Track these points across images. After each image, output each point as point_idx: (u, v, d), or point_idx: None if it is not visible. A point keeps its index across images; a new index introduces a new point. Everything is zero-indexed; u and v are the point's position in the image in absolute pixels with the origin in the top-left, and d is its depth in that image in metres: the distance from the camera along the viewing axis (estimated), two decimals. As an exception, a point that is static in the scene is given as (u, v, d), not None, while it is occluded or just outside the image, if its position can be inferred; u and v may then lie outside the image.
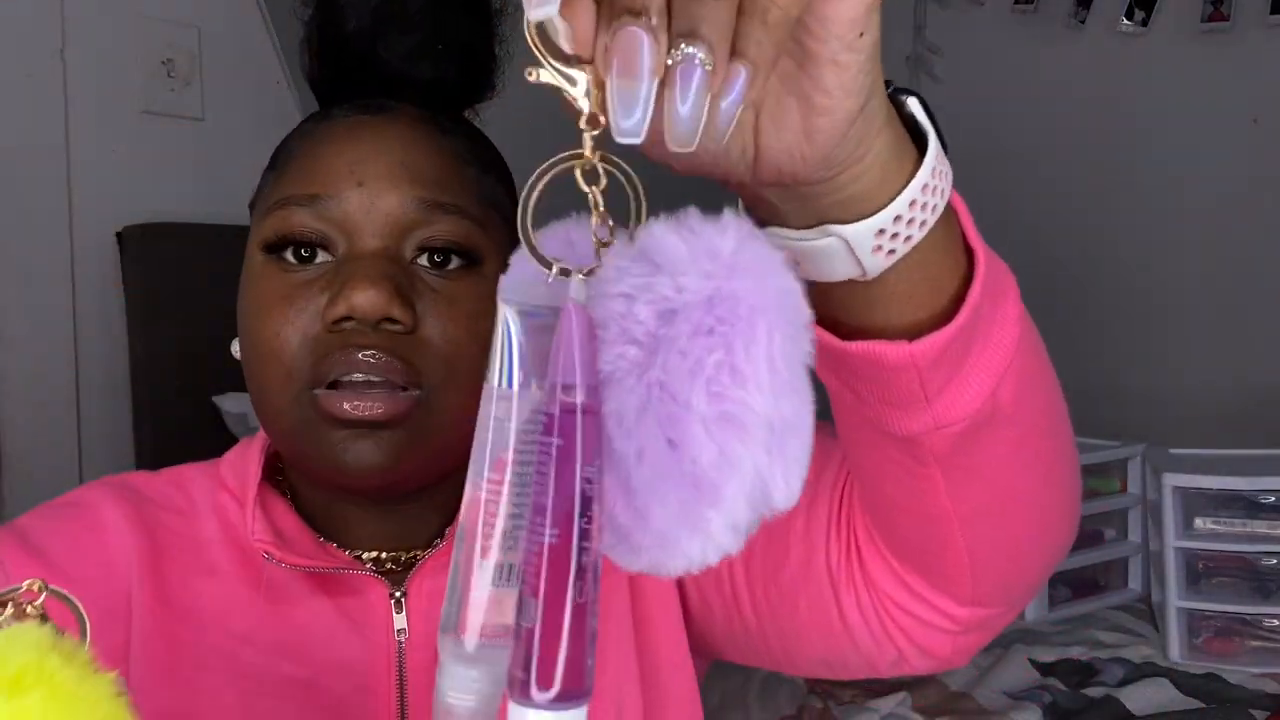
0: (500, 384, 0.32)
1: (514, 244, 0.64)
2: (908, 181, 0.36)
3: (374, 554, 0.60)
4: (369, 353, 0.52)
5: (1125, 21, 2.37)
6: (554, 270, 0.31)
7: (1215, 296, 2.32)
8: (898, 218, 0.35)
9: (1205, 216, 2.32)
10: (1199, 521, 1.48)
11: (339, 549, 0.60)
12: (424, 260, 0.55)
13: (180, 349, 1.66)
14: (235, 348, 0.60)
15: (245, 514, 0.58)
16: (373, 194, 0.54)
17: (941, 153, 0.37)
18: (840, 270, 0.37)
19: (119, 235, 1.66)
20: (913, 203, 0.36)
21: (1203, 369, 2.33)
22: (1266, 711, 1.27)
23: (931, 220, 0.37)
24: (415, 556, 0.60)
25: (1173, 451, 1.66)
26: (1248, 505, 1.46)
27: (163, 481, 0.63)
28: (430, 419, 0.54)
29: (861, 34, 0.31)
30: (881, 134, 0.34)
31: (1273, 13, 2.19)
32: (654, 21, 0.28)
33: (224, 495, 0.61)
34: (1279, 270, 2.25)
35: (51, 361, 1.62)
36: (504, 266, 0.60)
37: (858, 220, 0.35)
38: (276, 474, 0.62)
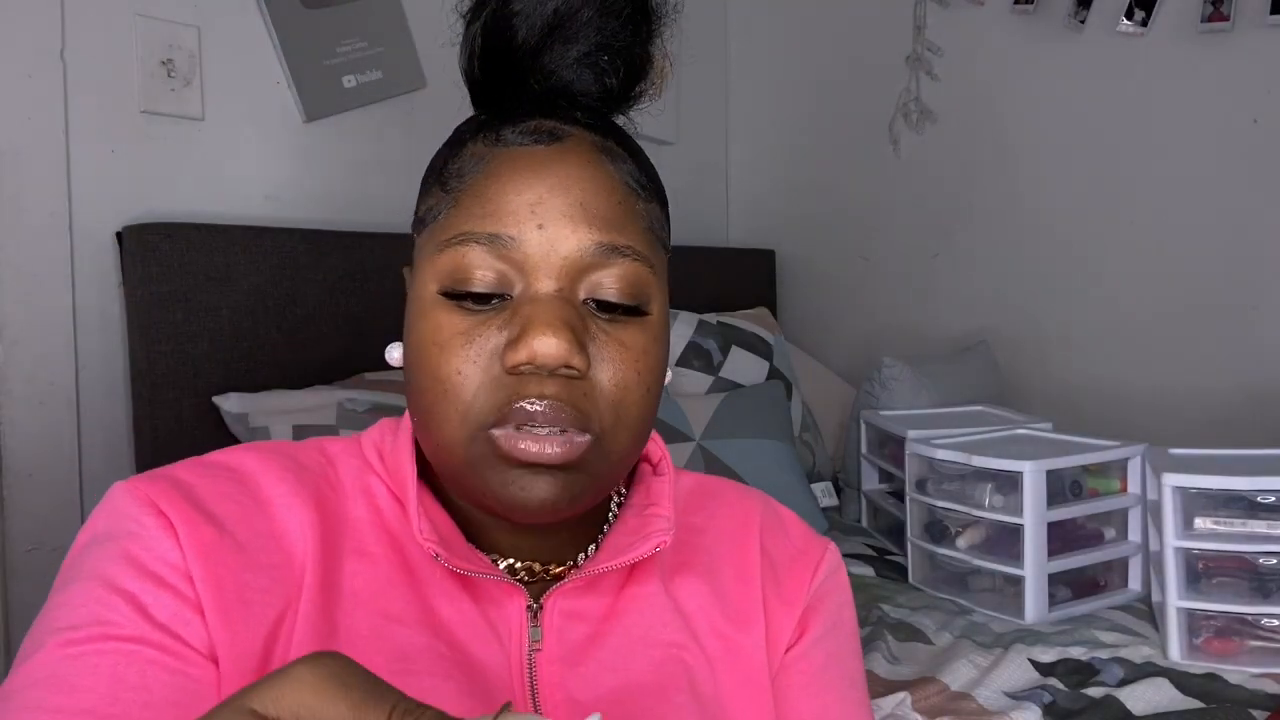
0: None
1: (669, 269, 0.66)
2: None
3: (509, 561, 0.61)
4: (548, 402, 0.53)
5: (1125, 22, 2.37)
6: None
7: (1215, 296, 2.32)
8: None
9: (1205, 216, 2.32)
10: (1199, 521, 1.48)
11: (484, 554, 0.61)
12: (594, 302, 0.56)
13: (180, 349, 1.66)
14: (393, 355, 0.61)
15: (408, 512, 0.59)
16: (553, 237, 0.55)
17: None
18: None
19: (119, 235, 1.66)
20: None
21: (1203, 369, 2.33)
22: (1266, 711, 1.27)
23: None
24: (549, 570, 0.62)
25: (1173, 451, 1.66)
26: (1248, 505, 1.46)
27: (314, 450, 0.63)
28: (602, 461, 0.55)
29: None
30: None
31: (1273, 13, 2.19)
32: None
33: (373, 479, 0.61)
34: (1278, 270, 2.25)
35: (51, 361, 1.62)
36: (664, 304, 0.62)
37: None
38: (420, 472, 0.62)
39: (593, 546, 0.63)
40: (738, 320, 2.42)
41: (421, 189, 0.61)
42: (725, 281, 2.72)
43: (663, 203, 0.63)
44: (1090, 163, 2.46)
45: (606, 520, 0.65)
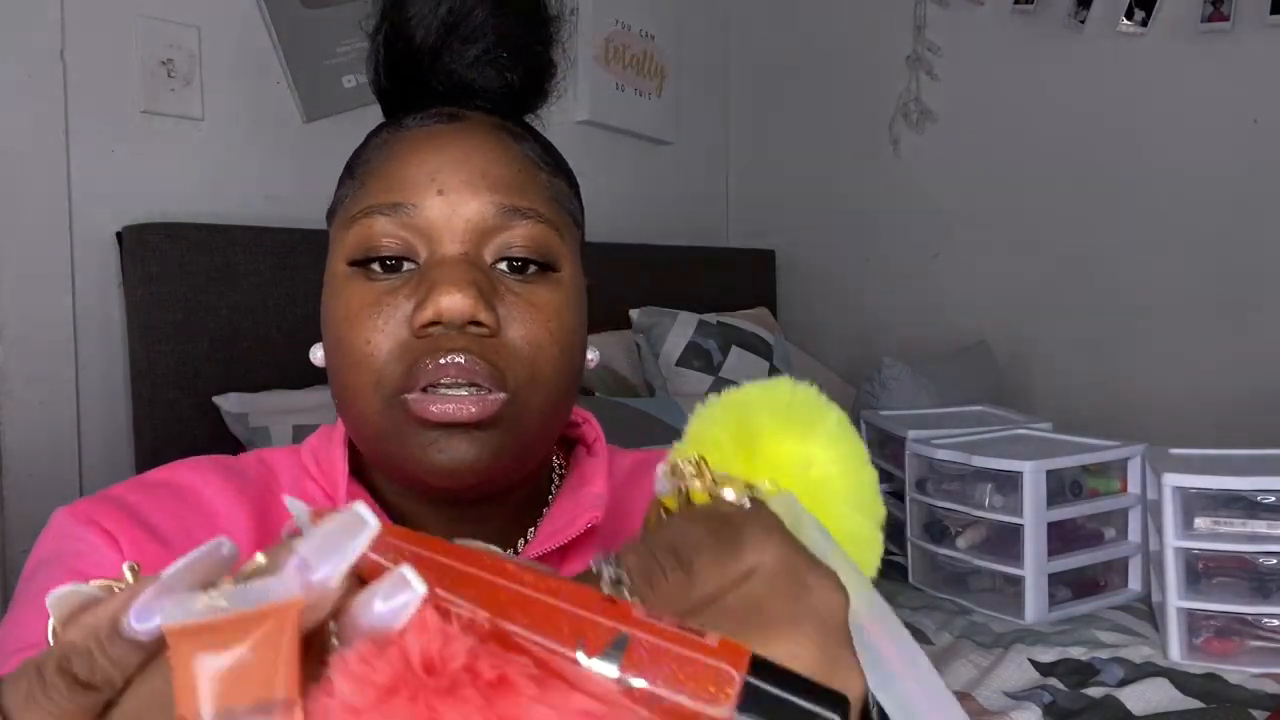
0: None
1: (582, 245, 0.65)
2: None
3: None
4: (458, 356, 0.53)
5: (1125, 22, 2.37)
6: None
7: (1215, 296, 2.32)
8: None
9: (1205, 216, 2.32)
10: (1199, 521, 1.48)
11: None
12: (503, 265, 0.57)
13: (180, 349, 1.66)
14: (316, 355, 0.61)
15: (336, 505, 0.58)
16: (454, 201, 0.56)
17: None
18: None
19: (119, 235, 1.66)
20: None
21: (1203, 369, 2.33)
22: (1266, 711, 1.27)
23: None
24: None
25: (1173, 451, 1.66)
26: (1248, 505, 1.46)
27: (254, 461, 0.64)
28: (518, 420, 0.55)
29: None
30: None
31: (1273, 13, 2.19)
32: None
33: (310, 484, 0.62)
34: (1279, 270, 2.25)
35: (51, 361, 1.62)
36: (576, 268, 0.61)
37: None
38: (355, 470, 0.63)
39: (532, 530, 0.63)
40: (738, 320, 2.42)
41: (336, 187, 0.63)
42: (725, 281, 2.72)
43: (571, 183, 0.63)
44: (1090, 162, 2.46)
45: (546, 505, 0.65)
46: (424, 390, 0.53)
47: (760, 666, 0.26)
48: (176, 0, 1.75)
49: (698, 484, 0.35)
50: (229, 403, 1.64)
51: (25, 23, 1.59)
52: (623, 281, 2.35)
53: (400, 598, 0.25)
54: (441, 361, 0.53)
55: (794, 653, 0.29)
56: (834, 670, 0.30)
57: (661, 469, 0.36)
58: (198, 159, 1.79)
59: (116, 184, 1.68)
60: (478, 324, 0.54)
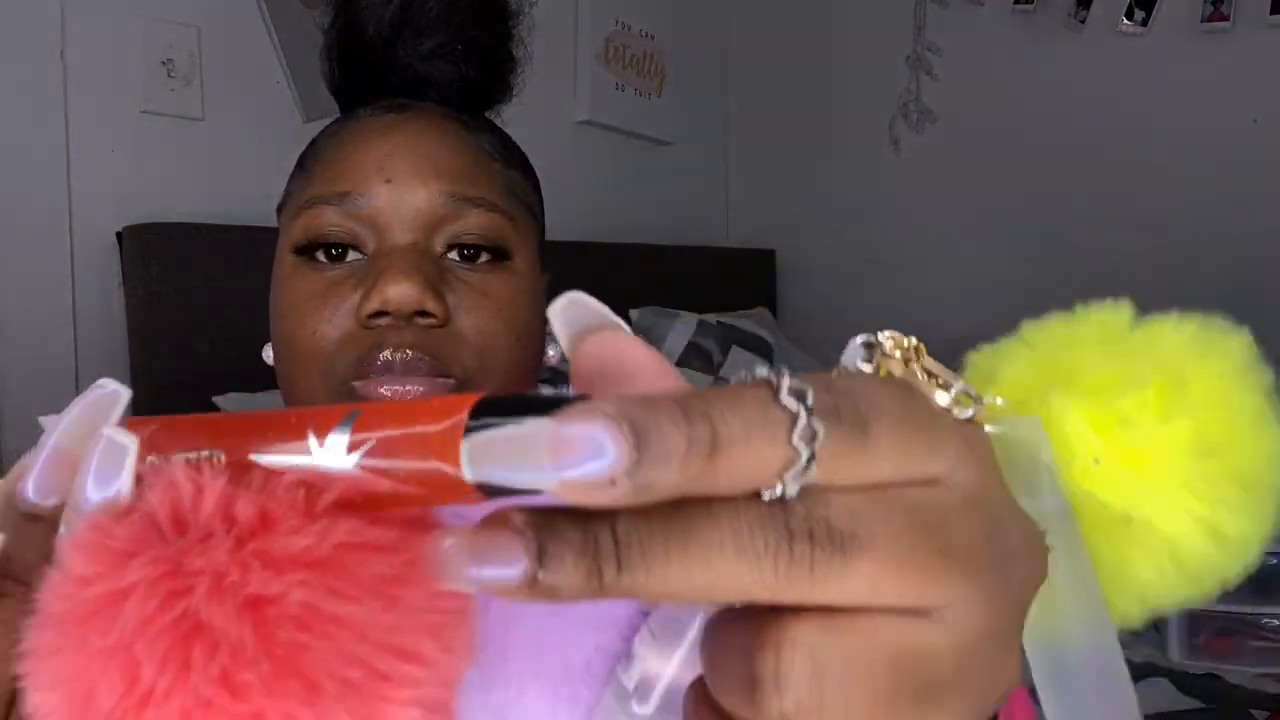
0: None
1: (541, 240, 0.64)
2: None
3: None
4: (404, 350, 0.52)
5: (1125, 21, 2.37)
6: None
7: (1215, 296, 2.31)
8: None
9: (1205, 216, 2.32)
10: (1199, 521, 1.49)
11: None
12: (454, 255, 0.55)
13: (180, 349, 1.66)
14: (267, 353, 0.60)
15: None
16: (401, 190, 0.55)
17: None
18: None
19: (119, 235, 1.66)
20: None
21: (1203, 369, 2.33)
22: (1266, 711, 1.27)
23: None
24: None
25: (1173, 451, 1.65)
26: (1248, 505, 1.46)
27: None
28: None
29: None
30: None
31: (1273, 13, 2.19)
32: None
33: None
34: (1278, 270, 2.25)
35: (51, 361, 1.62)
36: (532, 260, 0.60)
37: None
38: None
39: None
40: (738, 320, 2.42)
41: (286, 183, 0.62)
42: (725, 281, 2.72)
43: (529, 177, 0.62)
44: (1090, 162, 2.46)
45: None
46: (372, 378, 0.52)
47: (484, 406, 0.20)
48: (176, 0, 1.75)
49: (898, 368, 0.26)
50: (229, 403, 1.64)
51: (25, 22, 1.59)
52: (623, 281, 2.35)
53: (111, 465, 0.23)
54: (387, 356, 0.52)
55: (955, 598, 0.21)
56: (992, 644, 0.22)
57: (856, 341, 0.28)
58: (198, 159, 1.79)
59: (116, 184, 1.68)
60: (425, 314, 0.52)
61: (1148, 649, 1.47)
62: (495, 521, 0.19)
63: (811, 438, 0.19)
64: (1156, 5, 2.33)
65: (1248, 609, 1.43)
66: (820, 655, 0.20)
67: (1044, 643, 0.26)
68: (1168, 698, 1.32)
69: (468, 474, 0.19)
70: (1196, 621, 1.46)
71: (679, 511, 0.19)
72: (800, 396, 0.20)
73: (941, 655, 0.21)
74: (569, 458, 0.18)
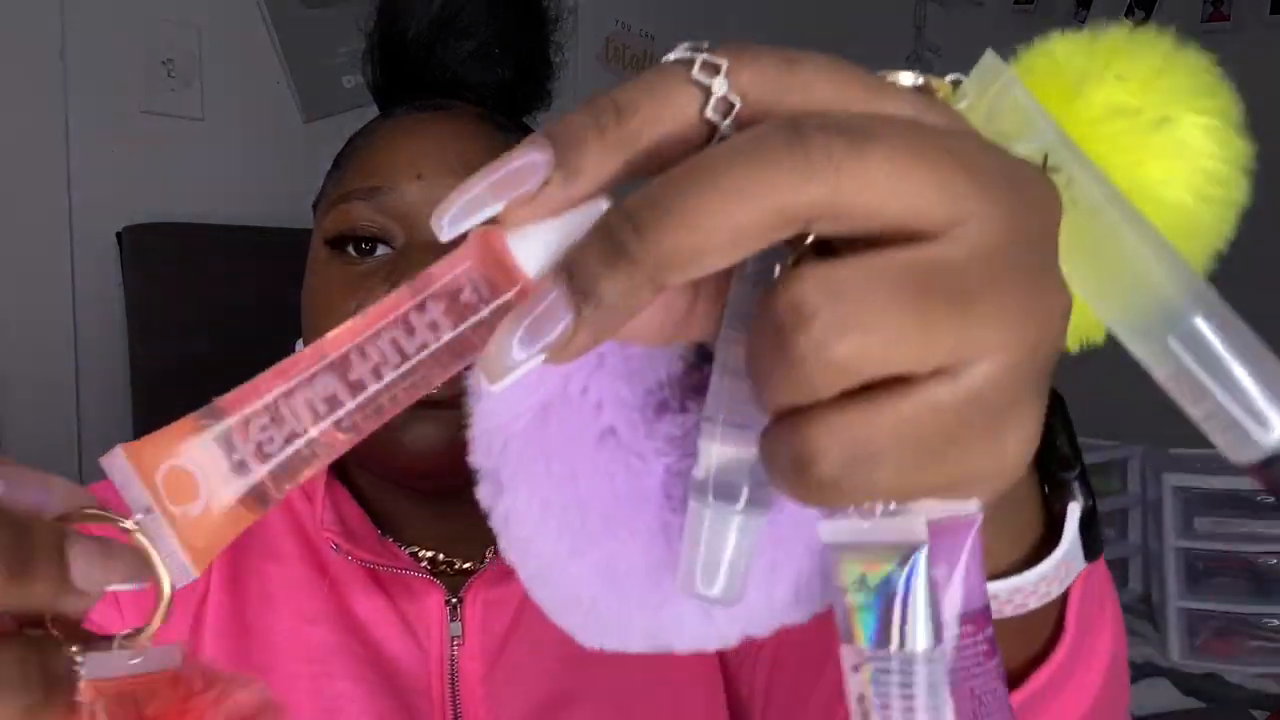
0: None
1: None
2: (1018, 569, 0.31)
3: (430, 554, 0.61)
4: None
5: (1125, 21, 2.38)
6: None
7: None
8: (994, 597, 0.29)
9: (1205, 216, 2.32)
10: (1199, 521, 1.49)
11: (398, 546, 0.60)
12: None
13: (180, 349, 1.66)
14: (299, 348, 0.61)
15: (314, 504, 0.58)
16: (432, 186, 0.55)
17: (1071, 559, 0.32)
18: None
19: (119, 235, 1.66)
20: (1016, 590, 0.31)
21: (1203, 369, 2.33)
22: (1266, 711, 1.27)
23: (1032, 605, 0.32)
24: (453, 565, 0.61)
25: (1173, 451, 1.66)
26: (1248, 505, 1.46)
27: None
28: None
29: None
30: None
31: (1273, 12, 2.19)
32: None
33: None
34: (1278, 271, 2.25)
35: (51, 361, 1.62)
36: None
37: None
38: (334, 465, 0.62)
39: None
40: (738, 320, 2.42)
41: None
42: (725, 281, 2.72)
43: None
44: (1090, 163, 2.46)
45: None
46: None
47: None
48: (176, 0, 1.75)
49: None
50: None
51: (25, 23, 1.59)
52: (623, 281, 2.35)
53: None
54: None
55: (971, 210, 0.20)
56: (1020, 255, 0.21)
57: None
58: (198, 159, 1.79)
59: (116, 184, 1.68)
60: None
61: (1148, 649, 1.47)
62: (517, 298, 0.22)
63: (714, 71, 0.21)
64: (1156, 5, 2.33)
65: (1248, 609, 1.43)
66: (836, 277, 0.19)
67: (1118, 293, 0.26)
68: (1168, 698, 1.32)
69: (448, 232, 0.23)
70: (1196, 621, 1.46)
71: (671, 171, 0.20)
72: (700, 49, 0.21)
73: (967, 267, 0.20)
74: (508, 187, 0.21)
